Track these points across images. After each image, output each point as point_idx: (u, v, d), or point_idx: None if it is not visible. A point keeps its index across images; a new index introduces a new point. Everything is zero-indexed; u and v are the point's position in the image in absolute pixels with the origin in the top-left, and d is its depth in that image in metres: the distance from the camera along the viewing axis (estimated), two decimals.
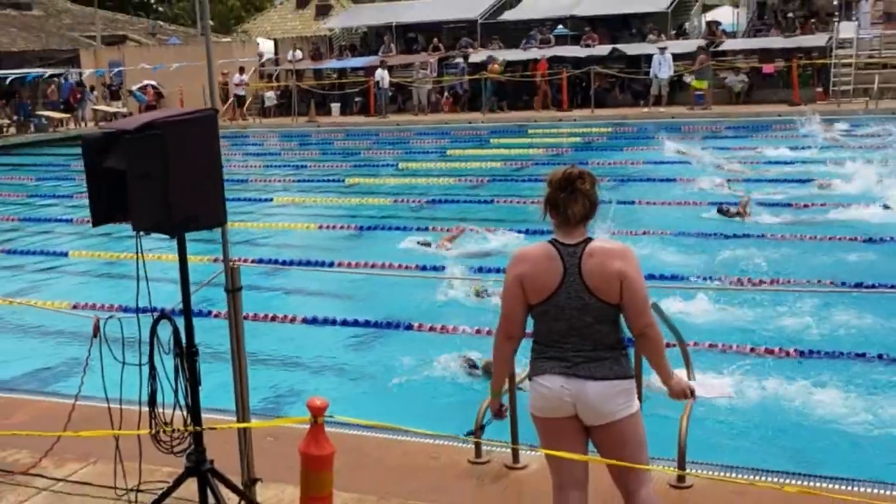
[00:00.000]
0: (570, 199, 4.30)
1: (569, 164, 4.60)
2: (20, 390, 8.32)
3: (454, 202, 18.27)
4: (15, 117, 35.45)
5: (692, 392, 4.59)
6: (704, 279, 11.02)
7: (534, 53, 34.65)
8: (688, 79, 31.61)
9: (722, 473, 6.06)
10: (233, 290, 5.57)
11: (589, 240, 4.35)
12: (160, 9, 63.70)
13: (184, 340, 5.07)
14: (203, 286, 5.70)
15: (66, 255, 13.93)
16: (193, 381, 5.08)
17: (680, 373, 4.84)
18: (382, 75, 34.97)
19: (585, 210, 4.33)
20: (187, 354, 5.06)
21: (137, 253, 4.95)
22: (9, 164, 28.18)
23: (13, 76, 36.36)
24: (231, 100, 36.80)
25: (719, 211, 15.16)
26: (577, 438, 4.45)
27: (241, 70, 38.01)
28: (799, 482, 5.86)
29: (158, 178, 4.63)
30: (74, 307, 10.69)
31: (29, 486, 6.21)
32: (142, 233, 4.93)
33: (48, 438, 6.43)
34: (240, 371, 5.60)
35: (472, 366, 8.79)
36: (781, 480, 5.85)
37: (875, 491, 5.74)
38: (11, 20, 47.88)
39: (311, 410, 3.64)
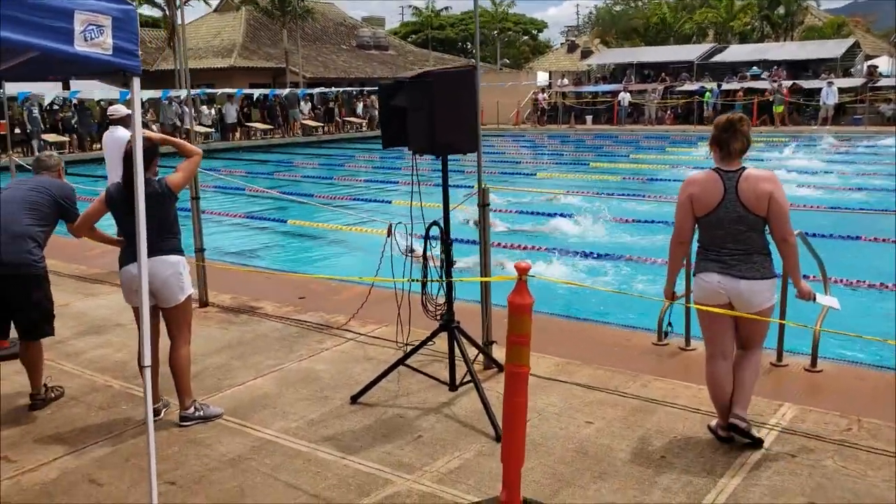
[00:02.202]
0: (732, 138, 4.08)
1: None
2: (346, 280, 8.51)
3: (667, 181, 17.37)
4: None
5: (813, 296, 4.21)
6: None
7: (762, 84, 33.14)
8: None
9: (847, 364, 5.55)
10: (483, 206, 5.39)
11: (744, 168, 4.08)
12: (474, 51, 64.89)
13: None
14: (460, 204, 5.56)
15: (390, 202, 14.34)
16: (448, 261, 4.95)
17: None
18: (624, 96, 35.15)
19: (743, 146, 4.09)
20: (445, 244, 4.94)
21: (413, 169, 4.86)
22: (362, 149, 29.32)
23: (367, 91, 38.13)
24: (533, 108, 37.76)
25: None
26: (727, 321, 4.17)
27: (543, 90, 39.21)
28: None
29: (427, 112, 4.50)
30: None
31: (342, 337, 6.38)
32: (417, 156, 4.84)
33: (354, 306, 6.60)
34: (485, 253, 5.44)
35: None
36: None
37: None
38: (375, 58, 50.17)
39: (518, 270, 3.40)
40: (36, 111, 25.52)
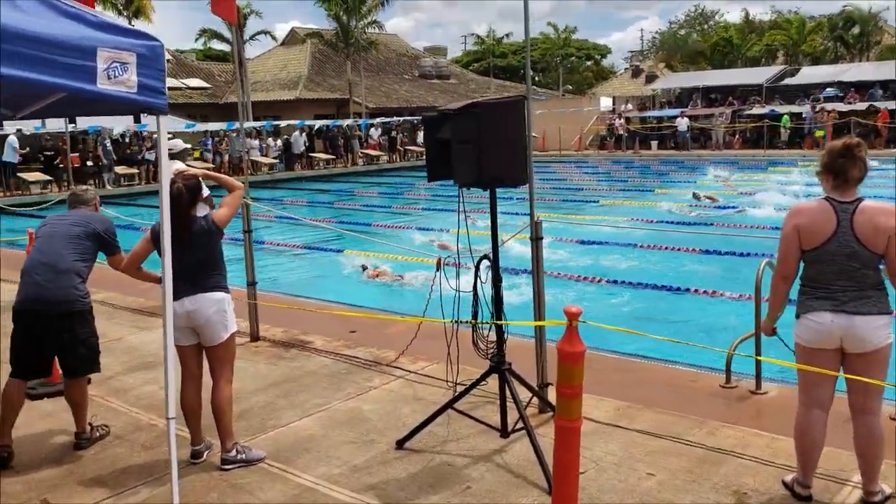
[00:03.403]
0: (850, 164, 3.66)
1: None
2: (396, 311, 8.24)
3: (732, 207, 16.79)
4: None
5: None
6: None
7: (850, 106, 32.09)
8: None
9: None
10: (535, 239, 5.13)
11: (861, 199, 3.66)
12: (536, 78, 64.86)
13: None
14: (513, 237, 5.31)
15: (448, 231, 14.16)
16: (498, 299, 4.70)
17: None
18: (681, 122, 34.77)
19: (861, 173, 3.68)
20: (495, 281, 4.70)
21: (459, 203, 4.65)
22: (422, 177, 29.26)
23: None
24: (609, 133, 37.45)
25: None
26: (833, 368, 3.76)
27: (620, 115, 38.85)
28: None
29: (474, 145, 4.29)
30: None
31: (391, 375, 6.17)
32: (463, 189, 4.63)
33: (405, 341, 6.40)
34: (538, 293, 5.12)
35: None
36: None
37: None
38: (436, 86, 50.54)
39: (568, 315, 3.13)
40: (109, 144, 26.30)
